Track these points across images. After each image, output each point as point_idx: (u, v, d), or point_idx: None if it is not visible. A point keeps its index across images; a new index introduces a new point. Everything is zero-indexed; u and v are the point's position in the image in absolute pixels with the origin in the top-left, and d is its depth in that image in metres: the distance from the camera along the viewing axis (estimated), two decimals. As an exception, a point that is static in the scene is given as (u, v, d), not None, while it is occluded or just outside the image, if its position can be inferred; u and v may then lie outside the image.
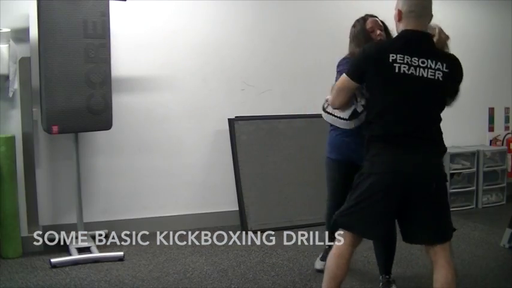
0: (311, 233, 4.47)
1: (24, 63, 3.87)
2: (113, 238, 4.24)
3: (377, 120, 2.39)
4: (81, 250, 3.83)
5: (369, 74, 2.38)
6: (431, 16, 2.41)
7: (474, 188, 5.53)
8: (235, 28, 4.74)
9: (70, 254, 3.76)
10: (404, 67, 2.29)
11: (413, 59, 2.30)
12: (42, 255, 3.79)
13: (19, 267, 3.59)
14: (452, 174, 5.39)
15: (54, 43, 3.54)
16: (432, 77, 2.31)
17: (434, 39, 2.45)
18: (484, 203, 5.56)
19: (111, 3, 3.74)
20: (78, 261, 3.67)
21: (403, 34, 2.39)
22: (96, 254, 3.77)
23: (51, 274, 3.48)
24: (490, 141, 6.01)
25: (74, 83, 3.61)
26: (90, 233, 4.12)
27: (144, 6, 4.42)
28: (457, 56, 2.47)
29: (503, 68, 5.96)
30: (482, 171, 5.53)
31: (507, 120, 6.12)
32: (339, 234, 2.46)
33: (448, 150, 5.33)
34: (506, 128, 6.11)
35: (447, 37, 2.53)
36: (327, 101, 2.89)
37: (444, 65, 2.32)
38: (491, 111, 6.05)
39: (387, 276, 3.19)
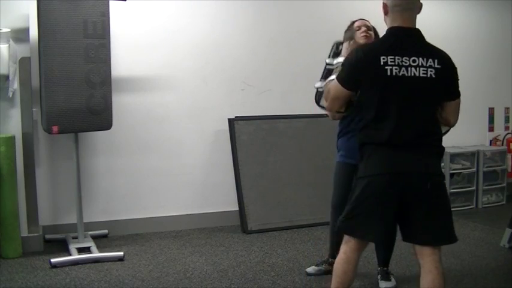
0: (311, 233, 4.49)
1: (24, 63, 3.87)
2: (113, 238, 4.26)
3: (372, 124, 2.34)
4: (81, 250, 3.83)
5: (362, 81, 2.32)
6: (419, 7, 2.35)
7: (474, 188, 5.53)
8: (235, 28, 4.74)
9: (70, 254, 3.76)
10: (395, 69, 2.24)
11: (403, 58, 2.24)
12: (42, 255, 3.79)
13: (19, 267, 3.59)
14: (452, 174, 5.39)
15: (54, 43, 3.54)
16: (424, 75, 2.25)
17: None
18: (484, 203, 5.56)
19: (111, 3, 3.74)
20: (78, 261, 3.67)
21: (391, 32, 2.34)
22: (96, 254, 3.77)
23: (51, 274, 3.47)
24: (490, 141, 6.01)
25: (74, 83, 3.61)
26: (90, 233, 4.13)
27: (144, 6, 4.42)
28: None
29: (503, 68, 5.96)
30: (482, 171, 5.53)
31: (507, 120, 6.13)
32: (345, 239, 2.44)
33: (448, 150, 5.41)
34: (506, 128, 6.11)
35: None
36: (317, 90, 3.00)
37: (436, 61, 2.26)
38: (491, 111, 6.05)
39: (385, 268, 3.26)
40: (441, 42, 2.49)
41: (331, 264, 3.41)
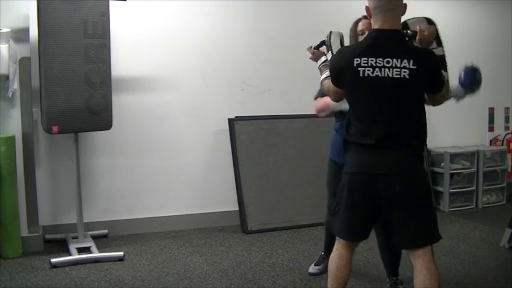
0: (311, 233, 4.49)
1: (24, 63, 3.87)
2: (113, 238, 4.26)
3: (351, 123, 2.42)
4: (81, 250, 3.83)
5: (343, 81, 2.42)
6: (402, 7, 2.35)
7: (474, 188, 5.52)
8: (235, 28, 4.74)
9: (70, 254, 3.76)
10: (368, 70, 2.27)
11: (377, 60, 2.26)
12: (42, 255, 3.79)
13: (19, 267, 3.59)
14: (452, 174, 5.39)
15: (54, 43, 3.54)
16: (398, 76, 2.25)
17: (417, 38, 2.43)
18: (484, 203, 5.56)
19: (111, 3, 3.74)
20: (78, 261, 3.67)
21: (370, 35, 2.39)
22: (96, 254, 3.77)
23: (51, 274, 3.47)
24: (490, 141, 6.01)
25: (74, 83, 3.61)
26: (90, 233, 4.13)
27: (144, 6, 4.42)
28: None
29: (503, 68, 5.95)
30: (482, 171, 5.52)
31: (507, 120, 6.12)
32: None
33: (448, 150, 5.40)
34: (506, 128, 6.10)
35: (432, 34, 2.49)
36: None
37: (411, 61, 2.25)
38: (491, 111, 6.05)
39: (394, 278, 3.14)
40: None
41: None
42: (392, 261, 3.13)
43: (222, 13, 4.69)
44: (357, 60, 2.29)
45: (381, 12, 2.31)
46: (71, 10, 3.56)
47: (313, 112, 3.32)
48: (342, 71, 2.38)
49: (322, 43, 2.86)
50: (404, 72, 2.25)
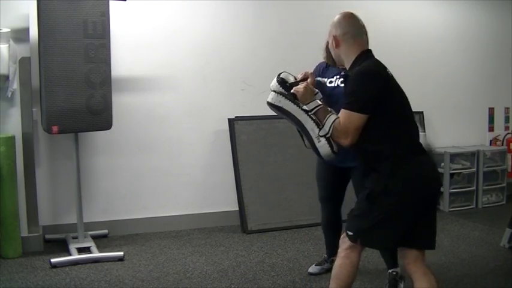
0: (311, 233, 4.49)
1: (24, 63, 3.87)
2: (113, 238, 4.26)
3: (403, 135, 2.35)
4: (81, 250, 3.83)
5: (381, 101, 2.30)
6: (366, 34, 2.47)
7: (474, 188, 5.52)
8: (235, 28, 4.74)
9: (70, 254, 3.76)
10: (392, 80, 2.39)
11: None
12: (42, 255, 3.79)
13: (19, 267, 3.59)
14: (452, 174, 5.39)
15: (54, 43, 3.54)
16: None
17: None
18: (484, 203, 5.56)
19: (111, 3, 3.74)
20: (78, 261, 3.67)
21: (365, 54, 2.43)
22: (96, 254, 3.77)
23: (51, 274, 3.47)
24: (490, 141, 6.01)
25: (73, 83, 3.61)
26: (90, 233, 4.13)
27: (144, 6, 4.42)
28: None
29: (503, 68, 5.96)
30: (482, 171, 5.52)
31: (507, 120, 6.12)
32: (345, 241, 2.43)
33: (448, 150, 5.40)
34: (506, 128, 6.10)
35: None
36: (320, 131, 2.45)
37: None
38: (491, 111, 6.05)
39: (394, 272, 3.14)
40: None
41: (332, 262, 3.45)
42: (391, 254, 3.16)
43: (222, 13, 4.69)
44: (388, 71, 2.37)
45: (352, 37, 2.45)
46: (71, 10, 3.56)
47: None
48: (383, 89, 2.32)
49: (300, 80, 2.66)
50: None
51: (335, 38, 2.44)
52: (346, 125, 2.31)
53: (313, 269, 3.53)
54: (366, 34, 2.48)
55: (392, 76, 2.40)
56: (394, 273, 3.15)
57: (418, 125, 2.77)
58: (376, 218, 2.31)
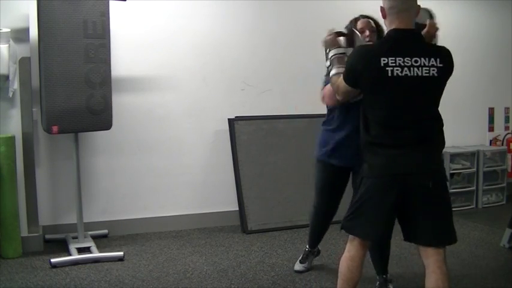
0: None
1: (24, 63, 3.87)
2: (113, 238, 4.26)
3: (371, 124, 2.38)
4: (81, 250, 3.83)
5: (362, 81, 2.37)
6: (416, 8, 2.38)
7: (474, 188, 5.53)
8: (235, 28, 4.74)
9: (70, 254, 3.76)
10: (397, 69, 2.27)
11: (405, 59, 2.27)
12: (42, 255, 3.79)
13: (19, 267, 3.59)
14: (452, 174, 5.39)
15: (54, 43, 3.54)
16: (427, 74, 2.29)
17: (423, 32, 2.43)
18: (484, 203, 5.56)
19: (111, 3, 3.74)
20: (78, 261, 3.67)
21: (390, 35, 2.36)
22: (96, 254, 3.77)
23: (51, 274, 3.47)
24: (490, 141, 6.01)
25: (73, 83, 3.61)
26: (90, 233, 4.13)
27: (144, 6, 4.42)
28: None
29: (503, 68, 5.96)
30: (482, 171, 5.53)
31: (507, 120, 6.12)
32: (349, 238, 2.47)
33: (448, 150, 5.40)
34: (506, 128, 6.11)
35: (436, 29, 2.50)
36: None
37: (438, 59, 2.31)
38: (491, 111, 6.05)
39: (384, 276, 3.20)
40: (441, 42, 2.50)
41: (314, 253, 3.44)
42: (381, 258, 3.17)
43: (222, 13, 4.69)
44: (384, 60, 2.26)
45: (397, 12, 2.32)
46: (70, 10, 3.55)
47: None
48: (364, 71, 2.33)
49: (344, 34, 2.81)
50: (433, 70, 2.30)
51: (382, 9, 2.39)
52: (338, 84, 2.53)
53: (298, 266, 3.56)
54: (415, 8, 2.37)
55: (387, 64, 2.28)
56: (384, 276, 3.19)
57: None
58: (355, 206, 2.43)
